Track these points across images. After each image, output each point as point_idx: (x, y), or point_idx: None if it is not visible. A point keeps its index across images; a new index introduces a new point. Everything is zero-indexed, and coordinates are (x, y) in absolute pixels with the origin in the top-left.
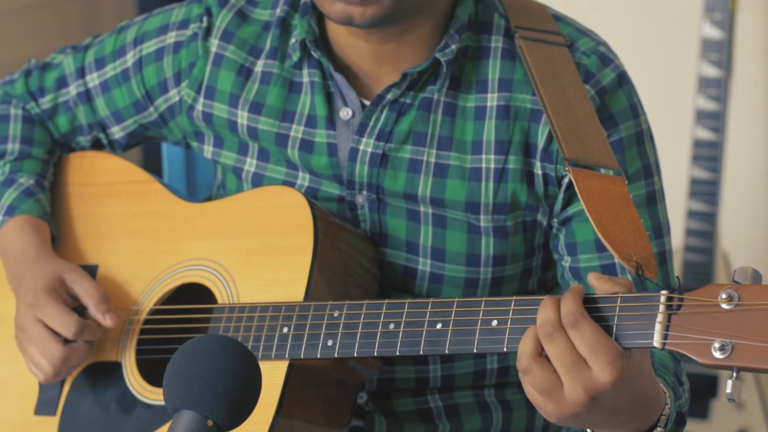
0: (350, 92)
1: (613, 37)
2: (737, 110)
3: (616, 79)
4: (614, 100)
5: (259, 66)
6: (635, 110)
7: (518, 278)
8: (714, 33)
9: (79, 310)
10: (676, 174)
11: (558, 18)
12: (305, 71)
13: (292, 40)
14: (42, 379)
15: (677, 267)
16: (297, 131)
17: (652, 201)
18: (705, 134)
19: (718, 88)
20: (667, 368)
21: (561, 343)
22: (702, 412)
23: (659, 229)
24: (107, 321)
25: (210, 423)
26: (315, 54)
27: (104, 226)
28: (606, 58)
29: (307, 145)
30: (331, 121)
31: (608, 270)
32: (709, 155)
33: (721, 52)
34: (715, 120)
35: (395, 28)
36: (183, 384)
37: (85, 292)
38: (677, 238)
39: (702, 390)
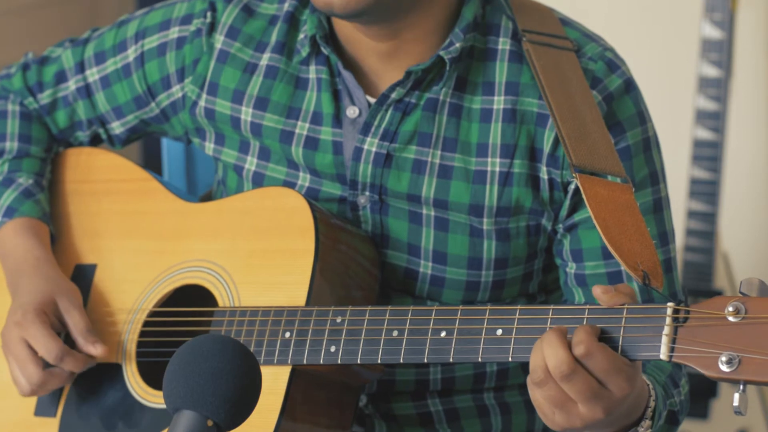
0: (358, 90)
1: (613, 37)
2: (737, 110)
3: (623, 86)
4: (621, 107)
5: (264, 60)
6: (642, 117)
7: (519, 281)
8: (714, 33)
9: (67, 335)
10: (676, 174)
11: (565, 22)
12: (312, 68)
13: (301, 36)
14: (21, 393)
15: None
16: (302, 128)
17: (659, 208)
18: (705, 134)
19: (718, 88)
20: (662, 369)
21: (579, 380)
22: (702, 412)
23: (665, 237)
24: (97, 350)
25: (210, 423)
26: (325, 50)
27: (101, 224)
28: (613, 64)
29: (311, 143)
30: (338, 119)
31: (614, 277)
32: (709, 155)
33: (721, 52)
34: (715, 120)
35: (392, 25)
36: (183, 383)
37: (74, 324)
38: (677, 238)
39: (702, 390)
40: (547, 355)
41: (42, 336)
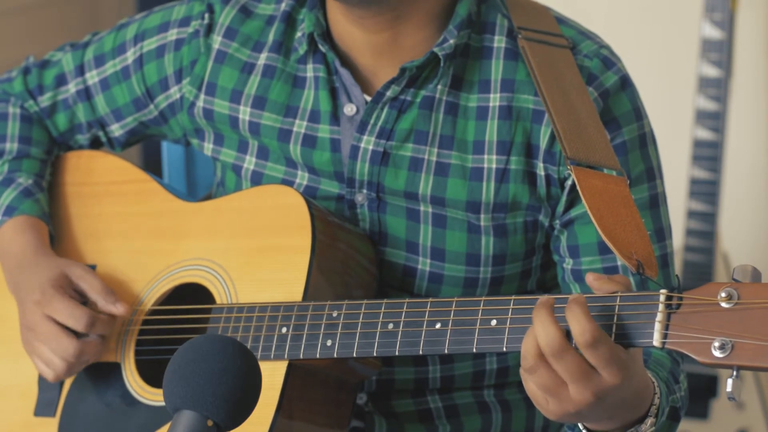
0: (355, 88)
1: (613, 37)
2: (737, 110)
3: (618, 82)
4: (617, 103)
5: (262, 59)
6: (638, 113)
7: (517, 278)
8: (714, 33)
9: (85, 305)
10: (676, 174)
11: (561, 20)
12: (310, 66)
13: (298, 34)
14: (52, 377)
15: (677, 267)
16: (300, 126)
17: (655, 204)
18: (705, 134)
19: (718, 88)
20: (662, 365)
21: (570, 359)
22: (702, 412)
23: (661, 232)
24: (119, 309)
25: (210, 423)
26: (322, 48)
27: (101, 225)
28: (608, 61)
29: (309, 141)
30: (335, 116)
31: (610, 272)
32: (709, 155)
33: (721, 52)
34: (715, 120)
35: (387, 14)
36: (183, 384)
37: (91, 287)
38: (677, 238)
39: (702, 390)
40: (538, 334)
41: (67, 307)
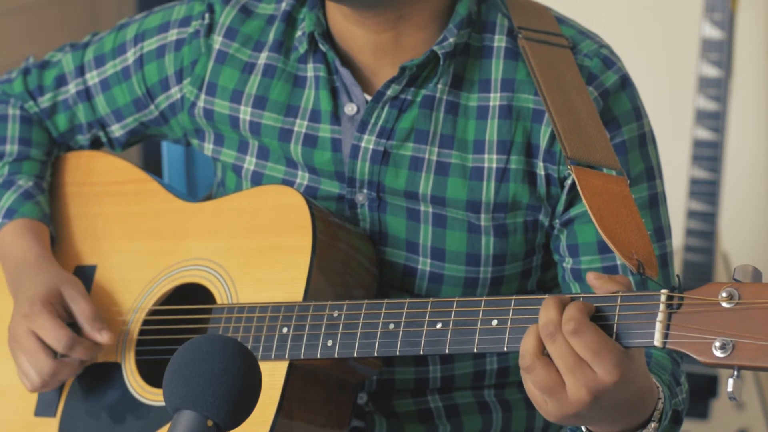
0: (355, 87)
1: (613, 37)
2: (737, 110)
3: (618, 82)
4: (617, 103)
5: (262, 59)
6: (638, 113)
7: (518, 278)
8: (714, 33)
9: (73, 325)
10: (676, 174)
11: (561, 20)
12: (310, 65)
13: (299, 34)
14: (29, 388)
15: (677, 267)
16: (301, 126)
17: (654, 203)
18: (705, 134)
19: (718, 88)
20: (664, 368)
21: (563, 342)
22: (702, 412)
23: (661, 232)
24: (103, 337)
25: (210, 423)
26: (323, 47)
27: (102, 225)
28: (609, 60)
29: (310, 140)
30: (336, 116)
31: (610, 271)
32: (709, 155)
33: (721, 52)
34: (715, 120)
35: (390, 14)
36: (183, 384)
37: (81, 312)
38: (677, 238)
39: (702, 390)
40: (540, 315)
41: (51, 326)
